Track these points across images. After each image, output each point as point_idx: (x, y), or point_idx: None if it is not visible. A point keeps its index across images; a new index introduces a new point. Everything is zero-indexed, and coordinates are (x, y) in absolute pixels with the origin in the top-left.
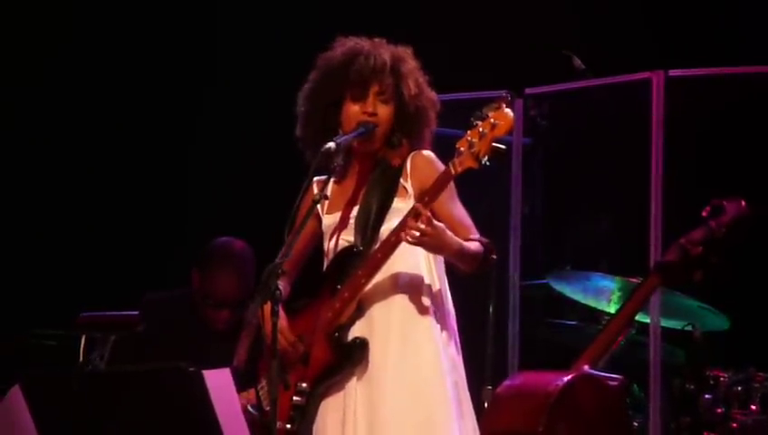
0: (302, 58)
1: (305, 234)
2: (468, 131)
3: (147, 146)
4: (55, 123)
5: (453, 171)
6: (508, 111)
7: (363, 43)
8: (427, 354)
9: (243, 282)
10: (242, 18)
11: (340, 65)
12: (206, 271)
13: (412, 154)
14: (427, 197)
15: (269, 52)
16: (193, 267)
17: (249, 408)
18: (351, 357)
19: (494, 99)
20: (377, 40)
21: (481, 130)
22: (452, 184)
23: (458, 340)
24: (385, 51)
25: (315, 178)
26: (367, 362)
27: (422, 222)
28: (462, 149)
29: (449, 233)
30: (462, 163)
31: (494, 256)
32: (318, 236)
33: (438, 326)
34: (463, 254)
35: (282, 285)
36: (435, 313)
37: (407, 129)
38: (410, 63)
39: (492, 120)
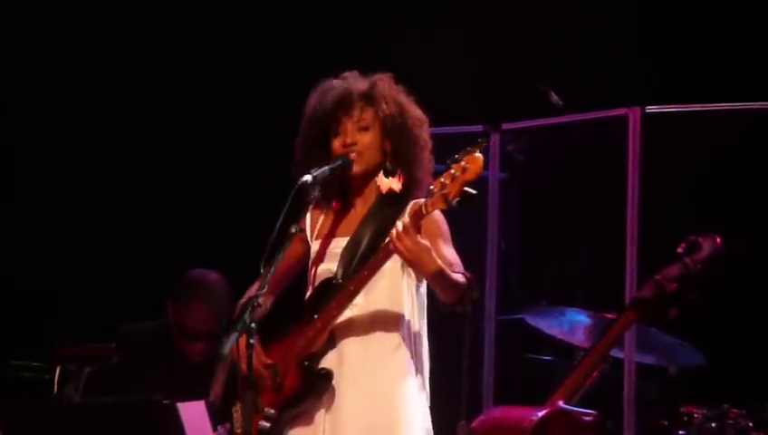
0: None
1: (290, 256)
2: (443, 174)
3: (119, 184)
4: (21, 166)
5: (424, 211)
6: (479, 155)
7: (334, 81)
8: (397, 396)
9: (217, 314)
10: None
11: (314, 107)
12: (180, 303)
13: (413, 202)
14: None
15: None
16: (167, 299)
17: None
18: (315, 387)
19: (472, 143)
20: (349, 73)
21: (453, 172)
22: (446, 227)
23: (427, 381)
24: (355, 80)
25: (312, 206)
26: (333, 393)
27: (408, 234)
28: (434, 190)
29: (433, 255)
30: (433, 204)
31: (476, 293)
32: (303, 259)
33: (413, 367)
34: (444, 278)
35: (262, 300)
36: (410, 352)
37: (397, 153)
38: (384, 87)
39: (463, 163)
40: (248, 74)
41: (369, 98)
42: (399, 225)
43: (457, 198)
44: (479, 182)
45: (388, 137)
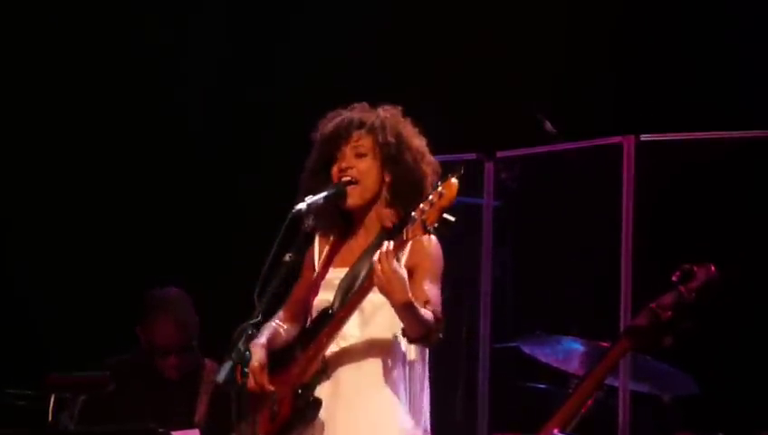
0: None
1: (305, 281)
2: (424, 201)
3: (108, 211)
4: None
5: (404, 237)
6: (454, 181)
7: (342, 110)
8: (392, 426)
9: (181, 325)
10: None
11: (320, 132)
12: (146, 323)
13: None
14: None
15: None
16: (136, 327)
17: None
18: (304, 416)
19: (452, 171)
20: (358, 104)
21: (431, 199)
22: (439, 266)
23: (428, 413)
24: (360, 111)
25: (318, 232)
26: (323, 424)
27: (387, 259)
28: (415, 216)
29: (406, 286)
30: (414, 231)
31: (441, 335)
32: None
33: (409, 398)
34: (411, 312)
35: (286, 328)
36: (406, 383)
37: (397, 183)
38: (387, 117)
39: (439, 189)
40: (244, 87)
41: (370, 127)
42: (382, 249)
43: (435, 224)
44: (473, 209)
45: (386, 167)
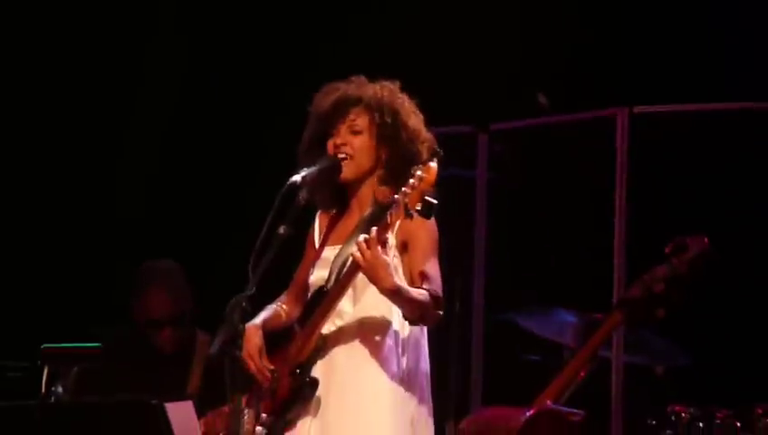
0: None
1: (308, 263)
2: (406, 184)
3: (103, 185)
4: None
5: (388, 221)
6: (433, 165)
7: (341, 83)
8: (385, 404)
9: (174, 296)
10: None
11: (316, 105)
12: (138, 295)
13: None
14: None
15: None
16: (129, 302)
17: None
18: (301, 394)
19: (432, 154)
20: (357, 77)
21: (412, 182)
22: (434, 239)
23: (428, 388)
24: (358, 86)
25: (320, 211)
26: (320, 401)
27: (369, 246)
28: (398, 199)
29: (390, 272)
30: (396, 215)
31: (441, 312)
32: None
33: (402, 375)
34: (401, 295)
35: (287, 309)
36: (400, 361)
37: (392, 161)
38: (384, 94)
39: (420, 173)
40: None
41: (367, 104)
42: (362, 237)
43: (417, 207)
44: (467, 182)
45: (382, 145)
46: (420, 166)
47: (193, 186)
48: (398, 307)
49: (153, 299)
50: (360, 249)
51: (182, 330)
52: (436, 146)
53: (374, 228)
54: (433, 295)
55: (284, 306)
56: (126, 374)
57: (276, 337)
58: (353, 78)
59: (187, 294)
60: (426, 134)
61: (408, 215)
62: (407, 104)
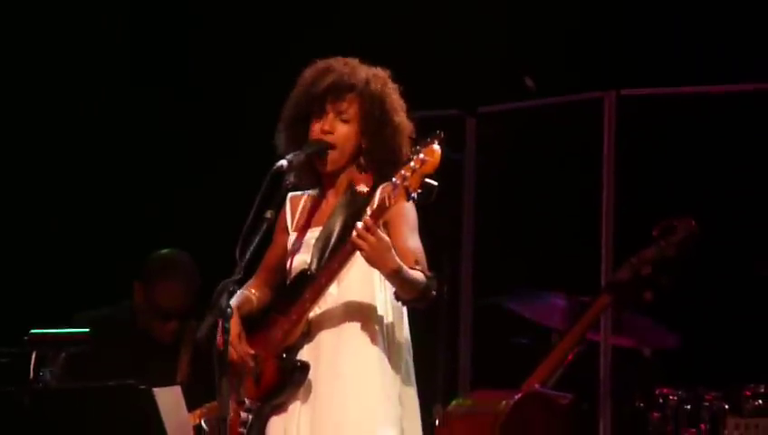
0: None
1: (278, 246)
2: (404, 166)
3: (88, 166)
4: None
5: (387, 204)
6: (437, 147)
7: (334, 63)
8: (373, 387)
9: (189, 292)
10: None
11: (307, 84)
12: (152, 282)
13: (382, 186)
14: (371, 216)
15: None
16: (135, 281)
17: (202, 423)
18: (292, 379)
19: (431, 135)
20: (351, 59)
21: (412, 165)
22: (414, 216)
23: (412, 371)
24: (353, 70)
25: (290, 194)
26: (310, 386)
27: (369, 232)
28: (397, 182)
29: (393, 254)
30: (396, 197)
31: (434, 292)
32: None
33: (389, 357)
34: (403, 276)
35: (258, 294)
36: (385, 343)
37: (373, 152)
38: (377, 87)
39: (421, 155)
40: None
41: (359, 92)
42: (360, 223)
43: (418, 190)
44: (455, 166)
45: (365, 135)
46: (421, 148)
47: (175, 170)
48: (397, 288)
49: (168, 291)
50: (360, 235)
51: (184, 323)
52: (414, 135)
53: (368, 213)
54: (427, 275)
55: (254, 291)
56: (117, 361)
57: (248, 322)
58: (348, 60)
59: (197, 289)
60: (408, 128)
61: (410, 198)
62: (394, 97)
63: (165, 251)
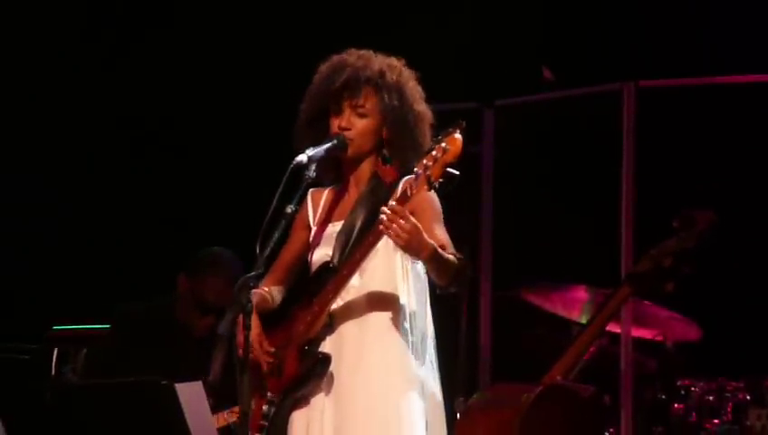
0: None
1: (296, 242)
2: (426, 156)
3: (116, 163)
4: (22, 146)
5: (409, 194)
6: (458, 136)
7: (349, 57)
8: (397, 378)
9: (231, 289)
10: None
11: (322, 80)
12: (199, 277)
13: (405, 179)
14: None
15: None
16: (181, 273)
17: (231, 425)
18: (314, 371)
19: (453, 124)
20: (365, 52)
21: (434, 154)
22: (438, 206)
23: (435, 361)
24: (367, 63)
25: (311, 189)
26: (332, 378)
27: (401, 217)
28: (418, 172)
29: (428, 239)
30: (418, 187)
31: (469, 273)
32: (308, 246)
33: (411, 348)
34: (439, 259)
35: (274, 292)
36: (408, 334)
37: (396, 142)
38: (393, 77)
39: (443, 145)
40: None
41: (376, 85)
42: (387, 209)
43: (440, 180)
44: (473, 158)
45: (387, 126)
46: (442, 137)
47: (199, 166)
48: (434, 273)
49: (215, 286)
50: (389, 218)
51: (220, 318)
52: (434, 123)
53: (392, 202)
54: (458, 257)
55: (270, 290)
56: (147, 355)
57: (267, 318)
58: (362, 53)
59: None
60: (429, 116)
61: (432, 187)
62: (412, 85)
63: (215, 248)
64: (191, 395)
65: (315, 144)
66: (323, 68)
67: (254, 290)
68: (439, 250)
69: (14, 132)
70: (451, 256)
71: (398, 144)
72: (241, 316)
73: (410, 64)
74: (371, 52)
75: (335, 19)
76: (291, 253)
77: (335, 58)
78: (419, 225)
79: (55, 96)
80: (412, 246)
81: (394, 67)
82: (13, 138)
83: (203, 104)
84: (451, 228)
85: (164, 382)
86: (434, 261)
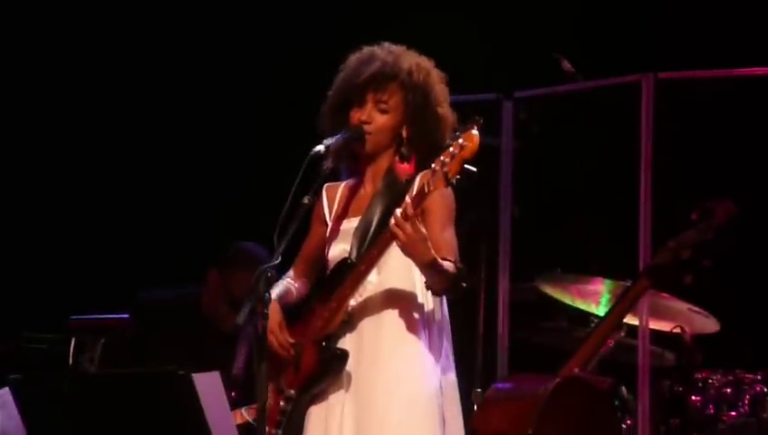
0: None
1: (314, 237)
2: (443, 152)
3: (134, 149)
4: (45, 125)
5: (426, 190)
6: (475, 132)
7: (380, 51)
8: (415, 373)
9: None
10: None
11: (350, 71)
12: (232, 271)
13: (421, 174)
14: (410, 204)
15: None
16: (212, 267)
17: (251, 424)
18: (331, 367)
19: (469, 120)
20: (397, 48)
21: (452, 150)
22: (452, 206)
23: (451, 357)
24: (396, 60)
25: (326, 185)
26: (351, 374)
27: (408, 222)
28: (435, 168)
29: (428, 246)
30: (435, 183)
31: (465, 284)
32: (325, 241)
33: (429, 345)
34: (435, 268)
35: (297, 286)
36: (426, 330)
37: (415, 142)
38: (422, 76)
39: (461, 141)
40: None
41: (401, 82)
42: (399, 211)
43: (457, 176)
44: (492, 150)
45: (407, 125)
46: (460, 133)
47: (219, 157)
48: (428, 279)
49: (245, 281)
50: (398, 224)
51: None
52: (456, 125)
53: (407, 201)
54: (457, 267)
55: (293, 282)
56: (168, 344)
57: (288, 312)
58: (393, 48)
59: None
60: (451, 118)
61: (450, 184)
62: (438, 88)
63: (248, 243)
64: (208, 385)
65: (336, 132)
66: (353, 58)
67: (280, 282)
68: (438, 261)
69: (43, 114)
70: (449, 266)
71: (416, 143)
72: (260, 305)
73: (430, 56)
74: (404, 48)
75: (354, 7)
76: (311, 247)
77: (366, 50)
78: (424, 233)
79: (82, 74)
80: (413, 251)
81: (423, 67)
82: (42, 121)
83: (228, 94)
84: (468, 221)
85: (181, 372)
86: (430, 269)
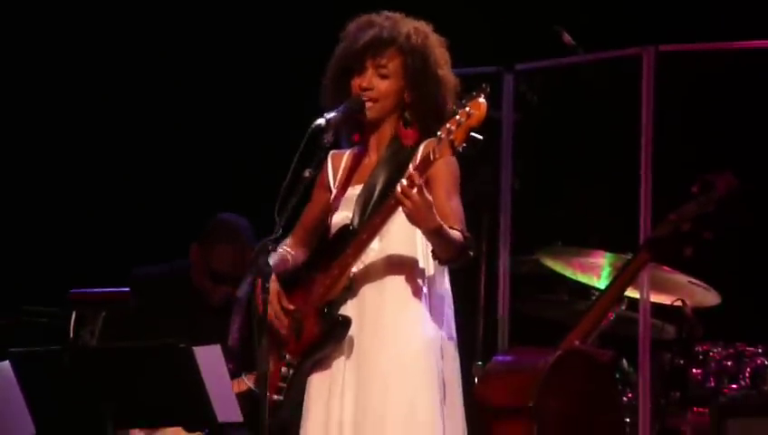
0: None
1: (316, 204)
2: (449, 120)
3: (134, 126)
4: (45, 109)
5: (432, 158)
6: (482, 100)
7: (377, 18)
8: (416, 341)
9: (243, 259)
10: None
11: (349, 39)
12: (211, 245)
13: (427, 141)
14: (416, 172)
15: (264, 37)
16: (193, 242)
17: (252, 392)
18: (333, 334)
19: (476, 88)
20: (394, 14)
21: (458, 118)
22: (457, 174)
23: (453, 325)
24: (394, 25)
25: (332, 152)
26: (353, 340)
27: (415, 189)
28: (441, 136)
29: (434, 212)
30: (441, 151)
31: (472, 253)
32: (328, 208)
33: (430, 310)
34: (441, 235)
35: (294, 253)
36: (427, 297)
37: (417, 107)
38: (420, 39)
39: (468, 109)
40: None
41: (399, 47)
42: (405, 179)
43: (464, 144)
44: (493, 123)
45: (408, 89)
46: (466, 102)
47: (219, 131)
48: (435, 247)
49: (227, 256)
50: (404, 191)
51: (236, 288)
52: (459, 89)
53: (411, 167)
54: (464, 235)
55: (290, 250)
56: (163, 319)
57: (285, 280)
58: (390, 14)
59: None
60: (452, 82)
61: (455, 152)
62: (438, 50)
63: (227, 215)
64: (209, 358)
65: (339, 102)
66: (351, 26)
67: (276, 250)
68: (445, 228)
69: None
70: (456, 235)
71: (419, 108)
72: (259, 279)
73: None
74: (401, 14)
75: None
76: (312, 214)
77: (363, 17)
78: (431, 199)
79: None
80: (419, 218)
81: (421, 31)
82: (44, 105)
83: (223, 69)
84: (470, 193)
85: (182, 345)
86: (435, 238)
